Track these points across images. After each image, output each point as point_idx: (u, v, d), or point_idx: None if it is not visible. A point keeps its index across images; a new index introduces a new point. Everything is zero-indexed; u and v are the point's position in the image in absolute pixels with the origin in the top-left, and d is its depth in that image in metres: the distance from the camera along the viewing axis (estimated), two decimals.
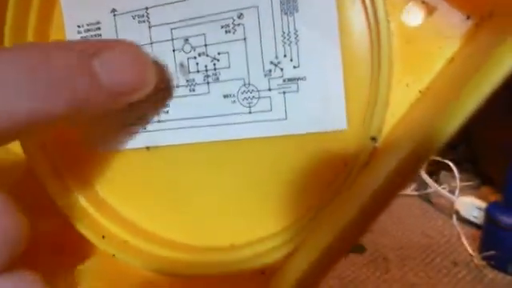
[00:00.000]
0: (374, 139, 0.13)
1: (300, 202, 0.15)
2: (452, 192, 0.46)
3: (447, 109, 0.09)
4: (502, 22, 0.11)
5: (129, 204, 0.18)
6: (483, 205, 0.42)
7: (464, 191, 0.48)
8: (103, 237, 0.17)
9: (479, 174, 0.51)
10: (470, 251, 0.40)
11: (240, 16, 0.15)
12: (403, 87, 0.14)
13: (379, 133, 0.14)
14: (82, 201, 0.18)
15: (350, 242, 0.11)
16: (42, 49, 0.12)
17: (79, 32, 0.17)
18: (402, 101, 0.14)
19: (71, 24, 0.17)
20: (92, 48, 0.13)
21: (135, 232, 0.17)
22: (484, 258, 0.40)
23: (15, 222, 0.11)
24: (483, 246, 0.40)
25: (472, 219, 0.43)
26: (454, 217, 0.44)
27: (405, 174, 0.10)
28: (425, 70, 0.13)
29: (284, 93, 0.15)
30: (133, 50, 0.14)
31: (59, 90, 0.12)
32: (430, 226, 0.45)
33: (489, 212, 0.39)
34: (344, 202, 0.13)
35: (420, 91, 0.13)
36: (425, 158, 0.10)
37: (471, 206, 0.43)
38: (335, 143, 0.15)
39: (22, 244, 0.11)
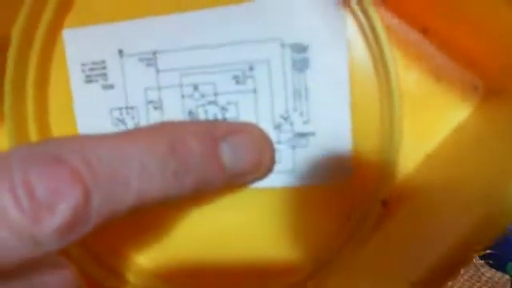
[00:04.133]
0: (384, 203, 0.15)
1: (305, 251, 0.17)
2: None
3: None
4: None
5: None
6: None
7: None
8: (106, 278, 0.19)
9: None
10: None
11: (251, 68, 0.16)
12: (410, 150, 0.15)
13: (387, 194, 0.16)
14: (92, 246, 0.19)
15: None
16: (174, 134, 0.14)
17: (83, 70, 0.18)
18: (409, 163, 0.16)
19: (75, 61, 0.18)
20: (220, 130, 0.15)
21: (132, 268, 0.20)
22: (482, 257, 0.43)
23: None
24: None
25: None
26: None
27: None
28: (432, 135, 0.15)
29: (294, 147, 0.17)
30: (257, 135, 0.16)
31: (188, 175, 0.13)
32: None
33: None
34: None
35: (427, 155, 0.15)
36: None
37: None
38: (340, 197, 0.16)
39: None
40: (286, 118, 0.16)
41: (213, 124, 0.16)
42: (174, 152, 0.13)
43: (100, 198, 0.11)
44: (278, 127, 0.17)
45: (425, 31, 0.15)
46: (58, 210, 0.11)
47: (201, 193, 0.14)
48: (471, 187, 0.12)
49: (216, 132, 0.15)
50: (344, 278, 0.15)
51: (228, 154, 0.15)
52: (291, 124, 0.16)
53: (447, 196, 0.13)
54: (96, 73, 0.18)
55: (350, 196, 0.16)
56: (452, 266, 0.11)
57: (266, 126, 0.17)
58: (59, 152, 0.11)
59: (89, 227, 0.12)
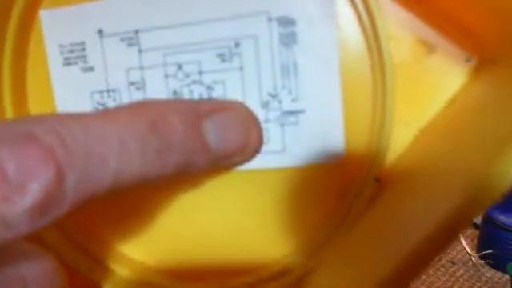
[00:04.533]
0: (377, 179, 0.15)
1: (301, 231, 0.17)
2: None
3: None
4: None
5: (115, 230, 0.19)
6: None
7: None
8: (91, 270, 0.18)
9: None
10: (468, 250, 0.43)
11: (237, 45, 0.16)
12: (403, 125, 0.15)
13: (380, 171, 0.15)
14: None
15: None
16: (156, 111, 0.13)
17: (62, 52, 0.18)
18: (402, 138, 0.15)
19: (52, 43, 0.18)
20: (204, 108, 0.14)
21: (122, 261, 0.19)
22: (482, 257, 0.43)
23: (62, 280, 0.13)
24: (481, 246, 0.43)
25: None
26: None
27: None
28: (425, 109, 0.15)
29: (282, 125, 0.16)
30: (243, 113, 0.16)
31: (170, 154, 0.13)
32: None
33: (487, 211, 0.42)
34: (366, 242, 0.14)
35: (420, 129, 0.15)
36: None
37: None
38: (334, 175, 0.16)
39: None
40: (274, 96, 0.16)
41: (196, 102, 0.15)
42: (155, 129, 0.13)
43: (75, 177, 0.11)
44: (265, 105, 0.16)
45: (417, 1, 0.15)
46: (30, 188, 0.10)
47: (184, 174, 0.14)
48: (463, 161, 0.12)
49: (200, 110, 0.14)
50: (341, 257, 0.15)
51: (212, 133, 0.14)
52: (280, 102, 0.16)
53: (440, 171, 0.13)
54: (75, 55, 0.18)
55: (343, 174, 0.16)
56: (438, 243, 0.10)
57: (254, 105, 0.16)
58: (32, 130, 0.11)
59: (64, 208, 0.11)
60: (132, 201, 0.18)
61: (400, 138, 0.15)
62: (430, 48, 0.15)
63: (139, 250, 0.19)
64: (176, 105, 0.14)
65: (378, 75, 0.15)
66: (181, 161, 0.13)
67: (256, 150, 0.16)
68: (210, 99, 0.17)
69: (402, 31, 0.15)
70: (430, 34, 0.15)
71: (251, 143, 0.16)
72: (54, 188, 0.10)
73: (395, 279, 0.10)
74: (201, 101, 0.16)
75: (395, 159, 0.15)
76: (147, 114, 0.13)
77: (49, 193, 0.10)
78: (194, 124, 0.14)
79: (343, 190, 0.16)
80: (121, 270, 0.19)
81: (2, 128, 0.11)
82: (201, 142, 0.14)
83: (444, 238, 0.10)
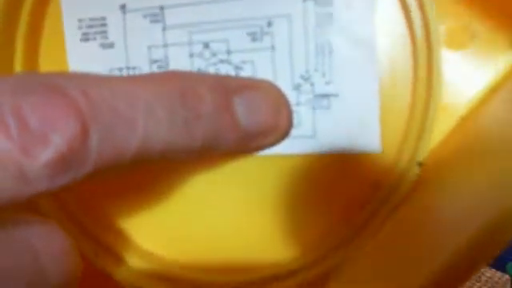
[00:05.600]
0: (420, 165, 0.15)
1: (326, 223, 0.16)
2: None
3: None
4: None
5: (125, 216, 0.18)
6: None
7: None
8: (96, 254, 0.18)
9: None
10: None
11: (270, 24, 0.15)
12: (444, 112, 0.15)
13: (420, 160, 0.15)
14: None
15: None
16: (186, 81, 0.13)
17: (80, 27, 0.17)
18: (443, 126, 0.15)
19: (71, 17, 0.17)
20: (234, 84, 0.14)
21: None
22: None
23: (78, 260, 0.12)
24: None
25: None
26: None
27: None
28: (465, 97, 0.15)
29: (314, 108, 0.16)
30: (274, 93, 0.15)
31: (198, 126, 0.12)
32: None
33: None
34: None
35: (461, 117, 0.15)
36: None
37: None
38: (368, 165, 0.16)
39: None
40: (306, 79, 0.16)
41: (225, 77, 0.15)
42: (184, 98, 0.12)
43: (100, 136, 0.10)
44: (297, 87, 0.16)
45: None
46: (52, 141, 0.10)
47: (212, 151, 0.13)
48: (504, 154, 0.12)
49: (229, 84, 0.14)
50: (367, 263, 0.14)
51: (242, 110, 0.14)
52: (312, 84, 0.16)
53: (478, 166, 0.13)
54: (94, 30, 0.17)
55: (378, 164, 0.15)
56: (476, 255, 0.10)
57: (285, 86, 0.16)
58: (58, 83, 0.10)
59: (86, 169, 0.10)
60: (141, 184, 0.17)
61: (440, 126, 0.15)
62: (471, 35, 0.14)
63: (151, 239, 0.18)
64: (206, 77, 0.14)
65: (422, 59, 0.14)
66: (209, 134, 0.13)
67: (286, 133, 0.15)
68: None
69: (442, 16, 0.14)
70: (473, 19, 0.14)
71: (281, 124, 0.15)
72: (78, 143, 0.10)
73: None
74: (230, 77, 0.16)
75: (435, 147, 0.15)
76: (176, 82, 0.12)
77: (72, 147, 0.10)
78: (224, 98, 0.13)
79: (378, 181, 0.15)
80: (130, 259, 0.18)
81: (27, 79, 0.10)
82: (230, 117, 0.13)
83: (480, 250, 0.10)
